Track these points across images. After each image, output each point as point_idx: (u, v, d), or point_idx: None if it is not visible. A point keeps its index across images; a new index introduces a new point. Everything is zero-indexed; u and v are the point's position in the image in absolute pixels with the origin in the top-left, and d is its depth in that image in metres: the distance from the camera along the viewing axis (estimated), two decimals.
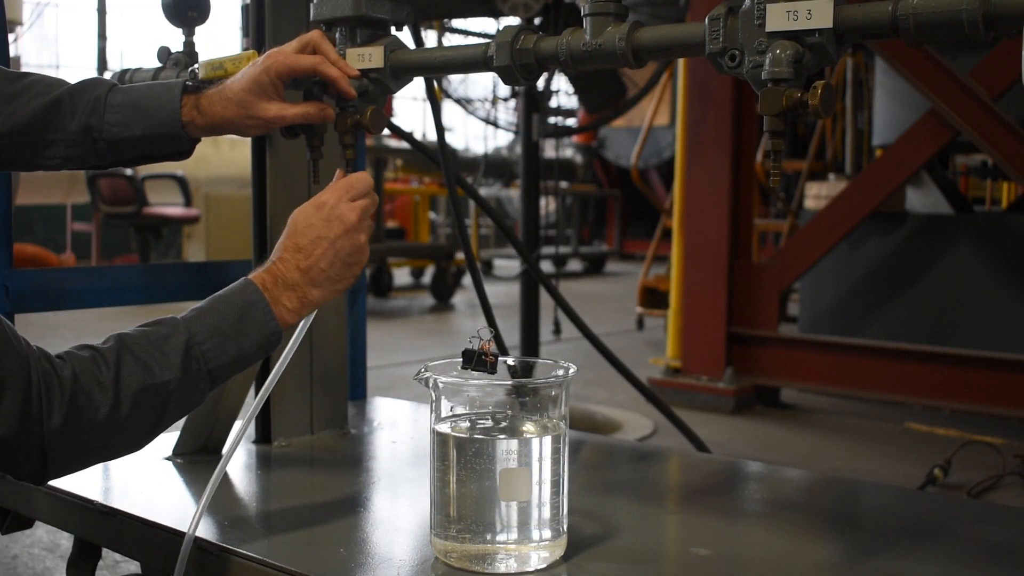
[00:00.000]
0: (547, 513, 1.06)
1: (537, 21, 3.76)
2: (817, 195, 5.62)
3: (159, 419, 1.07)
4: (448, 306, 7.80)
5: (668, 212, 5.57)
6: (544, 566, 1.06)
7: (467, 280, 8.31)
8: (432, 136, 8.97)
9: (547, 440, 1.06)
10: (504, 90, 6.77)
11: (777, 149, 1.05)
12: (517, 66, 1.20)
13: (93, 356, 1.02)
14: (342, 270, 1.18)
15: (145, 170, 8.13)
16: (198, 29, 1.65)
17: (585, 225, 13.05)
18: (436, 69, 1.34)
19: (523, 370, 1.15)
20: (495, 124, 6.75)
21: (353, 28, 1.34)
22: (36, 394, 0.96)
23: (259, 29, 1.68)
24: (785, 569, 1.11)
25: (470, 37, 5.74)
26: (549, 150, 5.65)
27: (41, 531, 2.35)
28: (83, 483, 1.35)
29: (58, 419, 0.97)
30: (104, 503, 1.28)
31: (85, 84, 1.29)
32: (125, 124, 1.26)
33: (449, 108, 11.13)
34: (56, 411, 0.97)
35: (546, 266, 8.11)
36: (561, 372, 1.10)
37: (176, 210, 7.71)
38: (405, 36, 1.40)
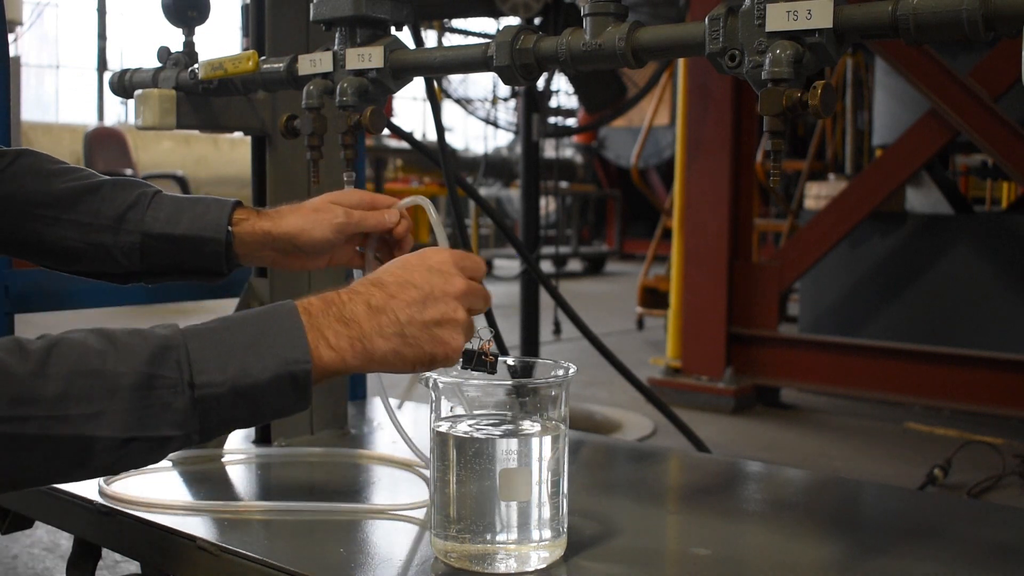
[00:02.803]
0: (547, 513, 1.06)
1: (537, 21, 3.77)
2: (817, 195, 5.62)
3: (93, 425, 0.78)
4: None
5: (668, 212, 5.57)
6: (544, 566, 1.06)
7: None
8: (432, 136, 8.98)
9: (547, 440, 1.06)
10: (504, 90, 6.78)
11: (777, 149, 1.05)
12: (517, 66, 1.20)
13: (16, 338, 0.80)
14: (420, 333, 0.93)
15: (145, 170, 8.14)
16: (198, 29, 1.65)
17: (585, 225, 13.06)
18: (436, 69, 1.34)
19: (523, 370, 1.15)
20: (495, 124, 6.75)
21: (353, 28, 1.34)
22: None
23: (259, 29, 1.68)
24: (785, 569, 1.11)
25: (470, 37, 5.74)
26: (549, 150, 5.66)
27: (41, 531, 2.35)
28: (83, 483, 1.35)
29: None
30: (104, 503, 1.28)
31: (132, 181, 1.23)
32: (168, 220, 1.18)
33: (449, 108, 11.13)
34: None
35: (546, 266, 8.11)
36: (561, 372, 1.10)
37: None
38: (405, 36, 1.40)
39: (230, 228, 1.20)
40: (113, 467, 0.82)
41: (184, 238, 1.18)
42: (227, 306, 1.67)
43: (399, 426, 1.37)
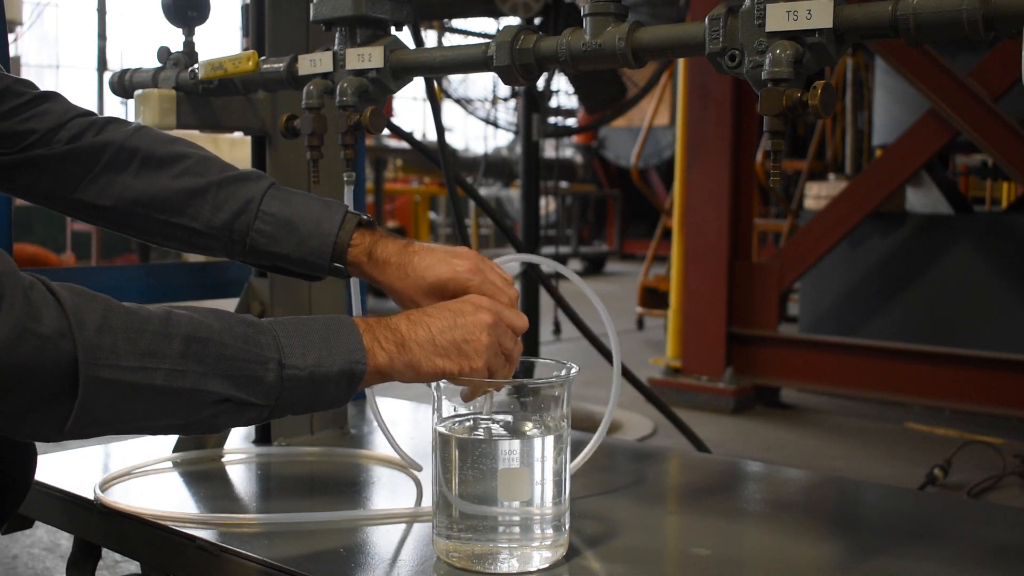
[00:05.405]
0: (549, 513, 1.06)
1: (537, 21, 3.77)
2: (817, 195, 5.62)
3: (205, 381, 0.91)
4: None
5: (668, 212, 5.57)
6: (546, 566, 1.06)
7: None
8: (432, 136, 8.98)
9: (548, 440, 1.06)
10: (504, 90, 6.78)
11: (777, 149, 1.05)
12: (517, 66, 1.20)
13: (135, 304, 0.91)
14: (449, 347, 1.04)
15: None
16: (198, 29, 1.65)
17: (585, 225, 13.06)
18: (436, 69, 1.34)
19: (523, 370, 1.15)
20: (495, 124, 6.75)
21: (353, 28, 1.34)
22: (47, 299, 0.83)
23: (259, 29, 1.68)
24: (785, 569, 1.11)
25: (470, 37, 5.74)
26: (549, 150, 5.66)
27: (41, 531, 2.35)
28: (83, 483, 1.35)
29: (94, 319, 0.85)
30: (104, 503, 1.28)
31: (240, 177, 1.23)
32: (274, 239, 1.20)
33: (449, 108, 11.14)
34: (90, 313, 0.85)
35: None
36: (562, 372, 1.10)
37: None
38: (405, 36, 1.40)
39: (336, 265, 1.20)
40: (206, 423, 0.94)
41: (289, 258, 1.22)
42: (227, 306, 1.66)
43: (387, 432, 1.38)
